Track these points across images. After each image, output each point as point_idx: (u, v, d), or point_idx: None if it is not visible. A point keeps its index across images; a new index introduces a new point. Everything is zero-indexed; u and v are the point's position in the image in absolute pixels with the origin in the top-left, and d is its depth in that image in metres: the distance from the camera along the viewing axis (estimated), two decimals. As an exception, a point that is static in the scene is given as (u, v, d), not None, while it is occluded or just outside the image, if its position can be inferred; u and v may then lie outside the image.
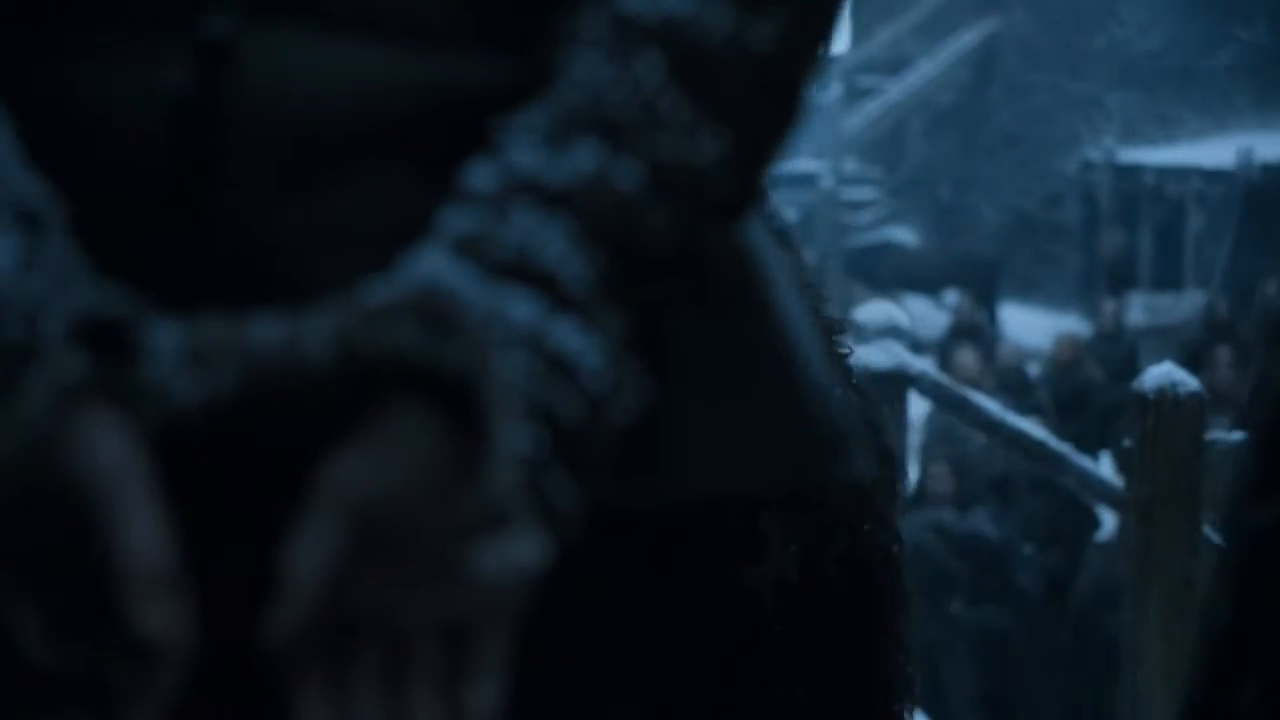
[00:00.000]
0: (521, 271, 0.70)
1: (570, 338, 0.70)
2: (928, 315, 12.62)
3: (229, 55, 0.71)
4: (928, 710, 4.64)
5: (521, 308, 0.69)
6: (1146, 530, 3.51)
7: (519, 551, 0.66)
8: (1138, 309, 13.10)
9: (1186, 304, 13.20)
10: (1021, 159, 16.13)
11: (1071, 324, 13.06)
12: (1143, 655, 3.49)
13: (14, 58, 0.71)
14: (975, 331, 11.40)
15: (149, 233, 0.71)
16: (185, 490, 0.68)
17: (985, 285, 14.01)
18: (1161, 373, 3.62)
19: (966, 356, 9.38)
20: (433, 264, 0.70)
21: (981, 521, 7.49)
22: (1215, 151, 14.47)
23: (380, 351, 0.67)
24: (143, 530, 0.65)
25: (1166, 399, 3.52)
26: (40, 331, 0.65)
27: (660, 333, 0.74)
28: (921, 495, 7.05)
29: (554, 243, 0.70)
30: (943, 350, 10.31)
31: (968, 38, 16.53)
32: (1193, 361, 8.07)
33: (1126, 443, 3.76)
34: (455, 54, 0.75)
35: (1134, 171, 15.09)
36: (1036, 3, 16.07)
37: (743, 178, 0.75)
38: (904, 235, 16.45)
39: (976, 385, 7.05)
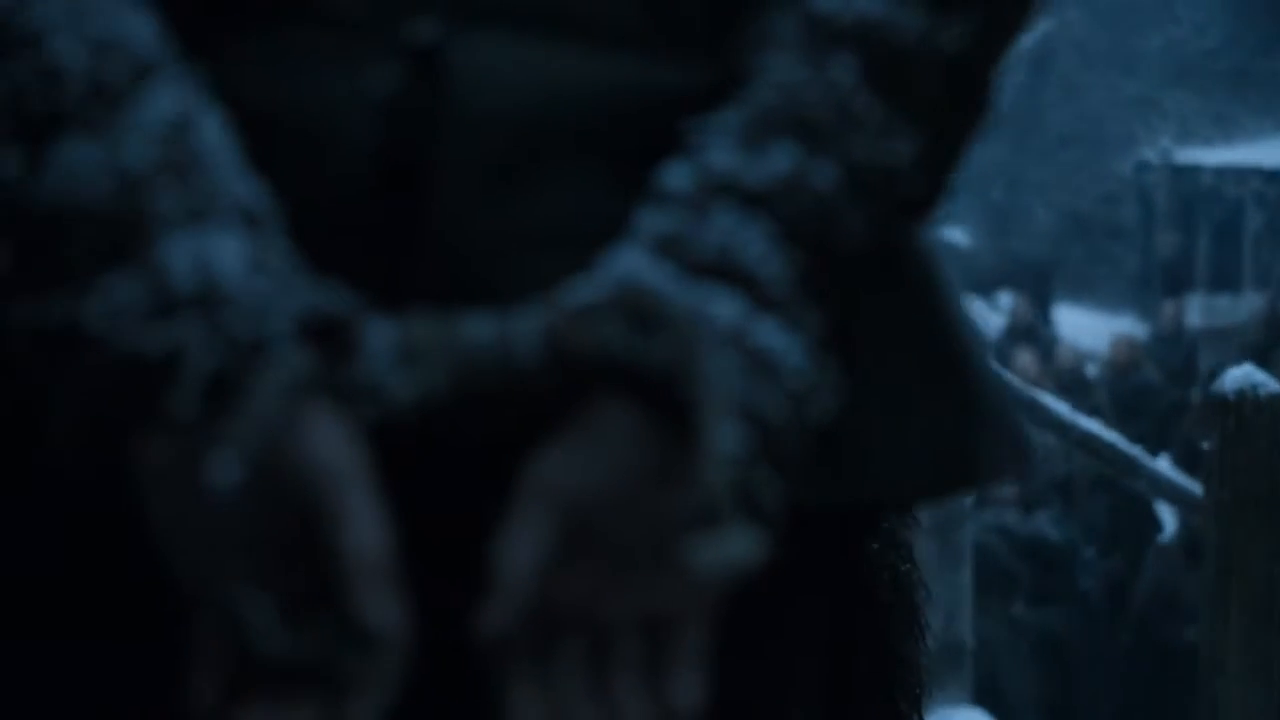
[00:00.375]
0: (721, 271, 0.71)
1: (772, 336, 0.70)
2: (981, 316, 12.59)
3: (436, 60, 0.72)
4: (988, 709, 4.62)
5: (724, 306, 0.70)
6: (1226, 534, 3.49)
7: (734, 548, 0.67)
8: (1195, 311, 13.03)
9: (1244, 305, 13.11)
10: (1076, 159, 16.05)
11: (1126, 326, 12.99)
12: (1222, 661, 3.47)
13: (225, 63, 0.72)
14: (1032, 333, 11.36)
15: (355, 234, 0.72)
16: (395, 486, 0.69)
17: (1039, 286, 13.96)
18: (1241, 374, 3.60)
19: (1025, 358, 9.36)
20: (633, 263, 0.70)
21: (1044, 523, 7.47)
22: (1273, 151, 14.36)
23: (587, 350, 0.68)
24: (365, 524, 0.66)
25: (1247, 401, 3.50)
26: (268, 330, 0.66)
27: (852, 331, 0.75)
28: (985, 497, 7.03)
29: (753, 243, 0.71)
30: (1000, 352, 10.28)
31: (1022, 37, 16.44)
32: (1257, 363, 8.00)
33: (1205, 445, 3.73)
34: (647, 57, 0.75)
35: (1191, 172, 15.01)
36: (1092, 2, 16.00)
37: (933, 177, 0.75)
38: (957, 236, 16.41)
39: (1036, 387, 7.03)
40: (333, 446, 0.67)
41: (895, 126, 0.73)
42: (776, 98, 0.73)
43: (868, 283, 0.75)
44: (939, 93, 0.74)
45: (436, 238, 0.72)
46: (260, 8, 0.73)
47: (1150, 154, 15.33)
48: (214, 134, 0.69)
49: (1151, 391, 9.76)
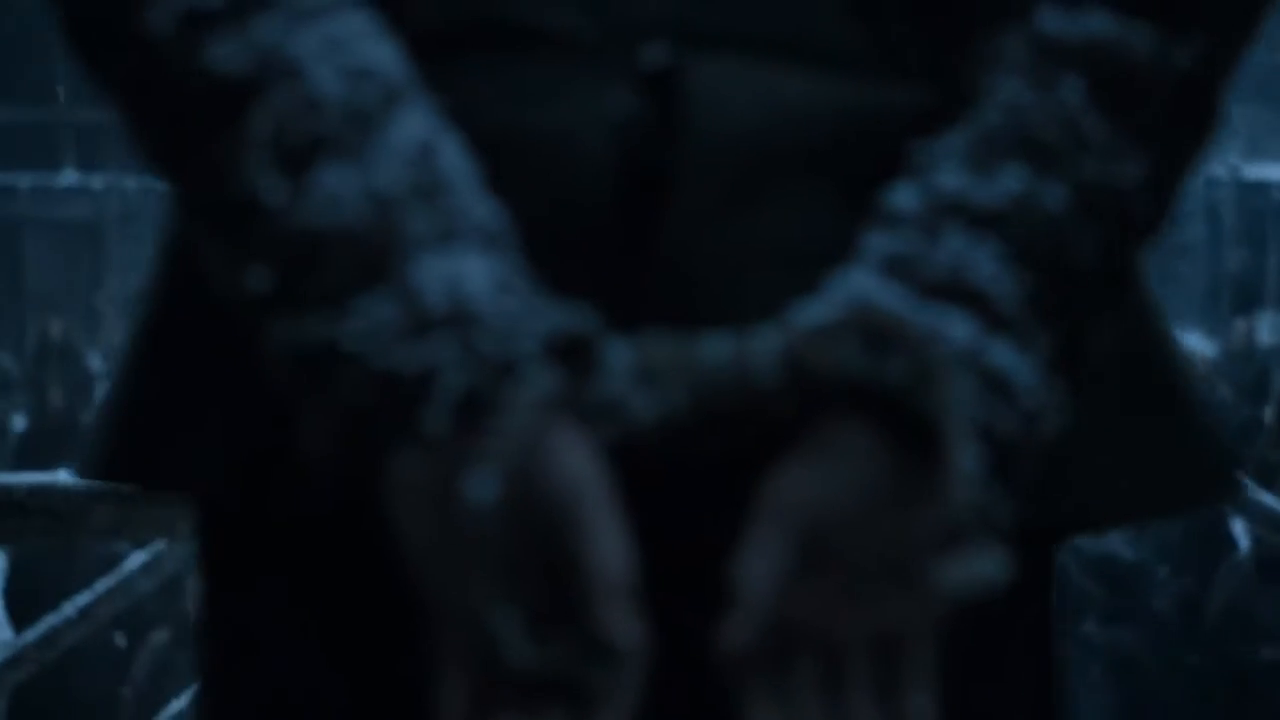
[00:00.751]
0: (953, 292, 0.71)
1: (1005, 356, 0.71)
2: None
3: (670, 83, 0.73)
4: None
5: (958, 327, 0.70)
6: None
7: (981, 567, 0.67)
8: (1265, 328, 12.93)
9: (1315, 323, 13.00)
10: (1143, 175, 15.94)
11: (1195, 343, 12.91)
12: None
13: (459, 89, 0.73)
14: (1100, 349, 11.29)
15: (589, 254, 0.73)
16: (634, 505, 0.70)
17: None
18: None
19: (1095, 375, 9.30)
20: (863, 284, 0.71)
21: (1116, 543, 7.42)
22: (1344, 168, 14.23)
23: (825, 370, 0.69)
24: (610, 542, 0.67)
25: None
26: (517, 350, 0.67)
27: (1078, 352, 0.75)
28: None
29: (984, 263, 0.72)
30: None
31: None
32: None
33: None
34: (871, 79, 0.76)
35: (1260, 188, 14.90)
36: (1159, 17, 15.88)
37: (1162, 197, 0.76)
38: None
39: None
40: (579, 465, 0.68)
41: (1124, 147, 0.74)
42: (1004, 119, 0.73)
43: (1095, 304, 0.75)
44: (1168, 114, 0.75)
45: (669, 258, 0.73)
46: (492, 35, 0.75)
47: (1218, 170, 15.22)
48: (455, 157, 0.71)
49: (1223, 409, 9.69)
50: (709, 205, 0.73)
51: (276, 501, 0.76)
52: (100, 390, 12.46)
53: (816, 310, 0.70)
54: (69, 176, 18.56)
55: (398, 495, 0.68)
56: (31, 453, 10.31)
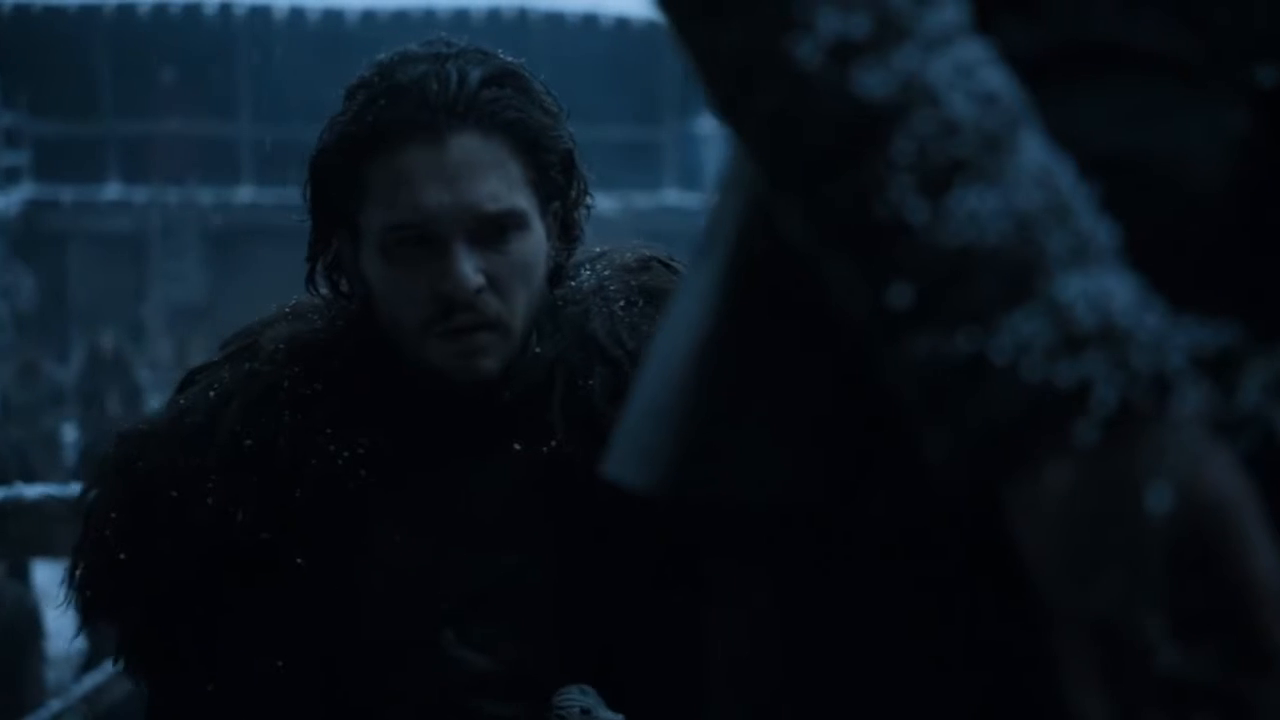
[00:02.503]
0: None
1: None
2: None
3: None
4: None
5: None
6: None
7: None
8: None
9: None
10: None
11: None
12: None
13: (1059, 111, 0.76)
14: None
15: (1212, 271, 0.76)
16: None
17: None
18: None
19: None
20: None
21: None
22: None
23: None
24: (1268, 553, 0.70)
25: None
26: (1167, 364, 0.70)
27: None
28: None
29: None
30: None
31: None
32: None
33: None
34: None
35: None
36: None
37: None
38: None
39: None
40: (1235, 477, 0.70)
41: None
42: None
43: None
44: None
45: None
46: (1086, 58, 0.78)
47: None
48: (1071, 179, 0.74)
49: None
50: None
51: (870, 507, 0.79)
52: (153, 402, 12.47)
53: None
54: (113, 190, 18.64)
55: (1037, 503, 0.71)
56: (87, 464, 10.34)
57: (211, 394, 1.62)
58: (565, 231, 1.63)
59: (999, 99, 0.74)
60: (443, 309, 1.55)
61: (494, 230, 1.55)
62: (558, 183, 1.60)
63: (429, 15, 17.67)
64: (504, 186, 1.55)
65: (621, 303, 1.62)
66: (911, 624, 0.81)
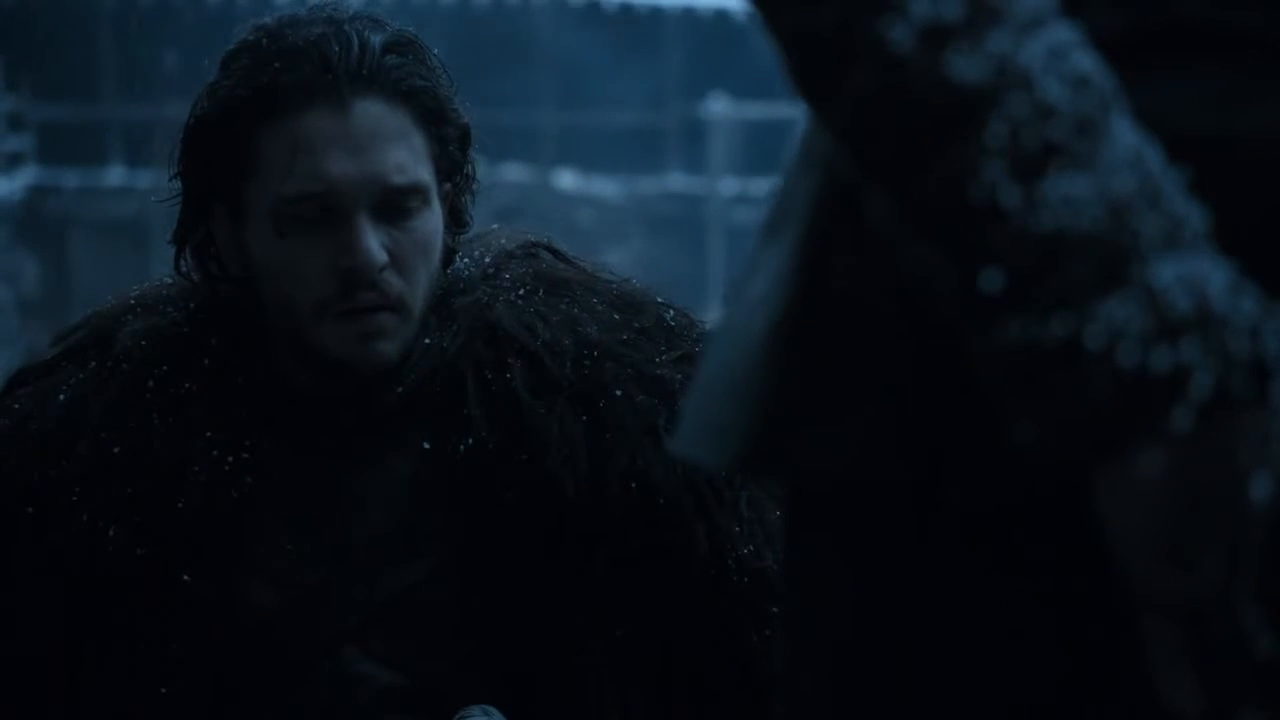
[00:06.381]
0: None
1: None
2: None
3: None
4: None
5: None
6: None
7: None
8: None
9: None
10: None
11: None
12: None
13: (1149, 94, 0.77)
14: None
15: None
16: None
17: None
18: None
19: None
20: None
21: None
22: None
23: None
24: None
25: None
26: (1264, 349, 0.70)
27: None
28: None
29: None
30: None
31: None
32: None
33: None
34: None
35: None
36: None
37: None
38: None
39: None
40: None
41: None
42: None
43: None
44: None
45: None
46: (1176, 40, 0.78)
47: None
48: (1161, 163, 0.74)
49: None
50: None
51: (950, 489, 0.79)
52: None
53: None
54: (116, 174, 18.62)
55: (1130, 488, 0.71)
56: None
57: (61, 396, 1.49)
58: (454, 215, 1.54)
59: (1091, 82, 0.74)
60: (342, 287, 1.46)
61: (397, 205, 1.47)
62: (455, 159, 1.51)
63: (432, 1, 17.67)
64: (410, 158, 1.47)
65: (521, 291, 1.53)
66: (990, 608, 0.81)
